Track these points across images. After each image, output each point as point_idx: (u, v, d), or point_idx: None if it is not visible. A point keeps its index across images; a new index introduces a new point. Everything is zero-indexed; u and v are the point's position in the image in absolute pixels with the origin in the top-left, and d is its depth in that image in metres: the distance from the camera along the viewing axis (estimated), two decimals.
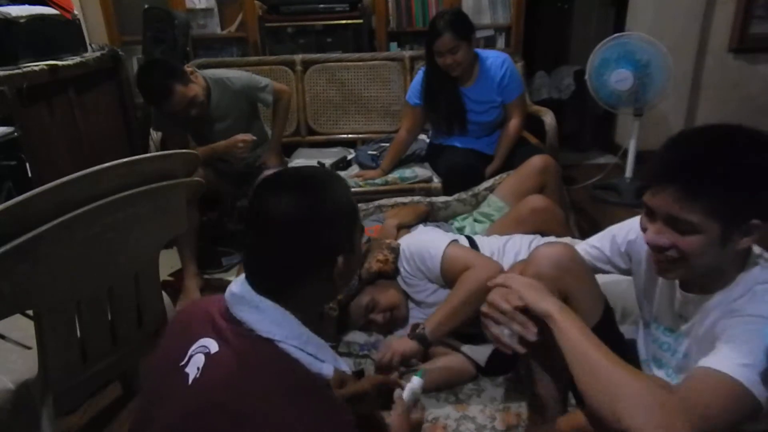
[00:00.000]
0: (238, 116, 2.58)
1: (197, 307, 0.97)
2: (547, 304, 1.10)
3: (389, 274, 1.91)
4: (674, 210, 0.99)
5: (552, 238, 1.94)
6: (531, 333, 1.11)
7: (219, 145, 2.47)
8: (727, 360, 0.93)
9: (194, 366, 0.84)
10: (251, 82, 2.57)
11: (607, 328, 1.28)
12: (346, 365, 0.93)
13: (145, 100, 2.51)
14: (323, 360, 0.87)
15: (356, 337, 1.89)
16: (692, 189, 0.97)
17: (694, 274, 1.09)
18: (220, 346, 0.85)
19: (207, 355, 0.84)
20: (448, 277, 1.81)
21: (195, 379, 0.83)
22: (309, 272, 0.90)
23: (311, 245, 0.89)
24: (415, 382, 1.18)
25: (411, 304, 1.93)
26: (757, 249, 1.09)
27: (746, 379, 0.91)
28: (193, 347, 0.87)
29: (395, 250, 1.93)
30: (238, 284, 0.91)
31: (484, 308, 1.20)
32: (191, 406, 0.81)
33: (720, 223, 0.98)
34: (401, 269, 1.91)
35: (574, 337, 1.04)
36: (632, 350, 1.33)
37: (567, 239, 1.90)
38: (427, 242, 1.89)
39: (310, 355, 0.86)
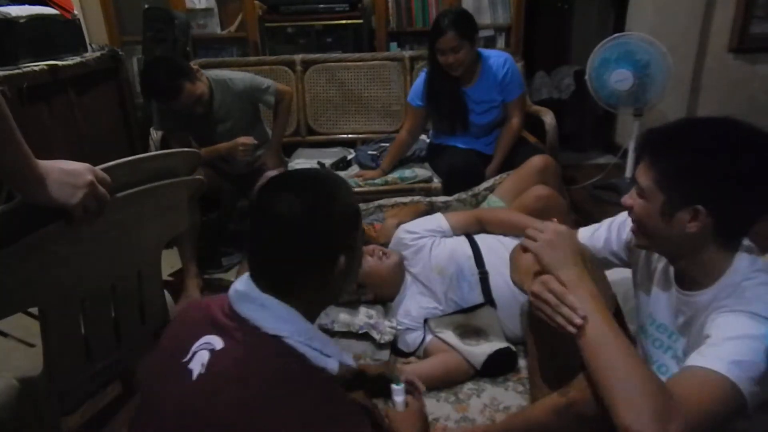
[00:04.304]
0: (241, 118, 2.57)
1: (197, 306, 0.99)
2: (567, 272, 1.14)
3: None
4: (637, 174, 1.12)
5: None
6: (577, 318, 1.07)
7: (222, 146, 2.48)
8: (715, 357, 0.95)
9: (198, 362, 0.85)
10: (254, 83, 2.56)
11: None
12: (351, 360, 0.94)
13: (152, 98, 2.47)
14: (329, 355, 0.88)
15: (355, 317, 1.92)
16: (651, 159, 1.10)
17: (661, 249, 1.17)
18: (225, 343, 0.86)
19: (212, 351, 0.85)
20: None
21: (200, 375, 0.83)
22: (312, 270, 0.91)
23: (315, 243, 0.90)
24: (398, 391, 1.27)
25: (425, 296, 1.96)
26: (746, 241, 1.10)
27: (734, 376, 0.93)
28: (196, 344, 0.87)
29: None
30: (242, 282, 0.93)
31: (532, 298, 1.19)
32: (198, 401, 0.81)
33: (664, 194, 1.07)
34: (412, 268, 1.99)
35: (590, 313, 1.06)
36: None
37: None
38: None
39: (316, 350, 0.87)
